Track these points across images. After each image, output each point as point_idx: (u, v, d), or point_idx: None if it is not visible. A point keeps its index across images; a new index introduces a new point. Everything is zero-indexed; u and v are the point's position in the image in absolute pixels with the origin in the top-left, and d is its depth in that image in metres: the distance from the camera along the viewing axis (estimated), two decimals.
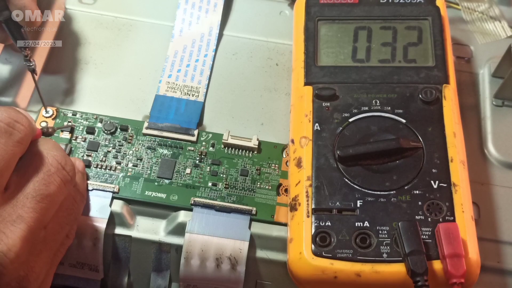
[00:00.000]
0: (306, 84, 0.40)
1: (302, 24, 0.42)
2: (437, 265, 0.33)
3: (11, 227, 0.30)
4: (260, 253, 0.38)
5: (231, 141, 0.41)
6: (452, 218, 0.35)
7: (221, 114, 0.44)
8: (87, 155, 0.41)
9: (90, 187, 0.39)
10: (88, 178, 0.40)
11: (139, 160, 0.41)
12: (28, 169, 0.32)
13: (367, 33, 0.42)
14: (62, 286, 0.40)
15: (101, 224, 0.38)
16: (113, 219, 0.39)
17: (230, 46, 0.47)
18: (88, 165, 0.40)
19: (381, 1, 0.43)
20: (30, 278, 0.32)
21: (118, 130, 0.42)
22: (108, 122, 0.42)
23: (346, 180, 0.36)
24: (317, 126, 0.38)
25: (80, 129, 0.42)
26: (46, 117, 0.42)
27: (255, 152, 0.41)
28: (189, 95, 0.44)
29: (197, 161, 0.41)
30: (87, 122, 0.42)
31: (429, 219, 0.35)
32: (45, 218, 0.32)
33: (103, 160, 0.40)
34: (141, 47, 0.46)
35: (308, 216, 0.35)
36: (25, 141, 0.32)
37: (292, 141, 0.39)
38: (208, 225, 0.38)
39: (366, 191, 0.36)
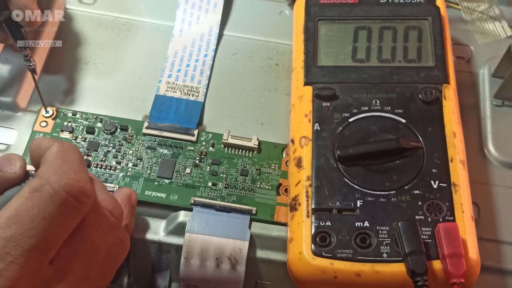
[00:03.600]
0: (306, 84, 0.40)
1: (302, 24, 0.42)
2: (437, 265, 0.33)
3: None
4: (260, 253, 0.38)
5: (231, 141, 0.41)
6: (452, 218, 0.35)
7: (221, 114, 0.44)
8: (87, 155, 0.41)
9: None
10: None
11: (139, 160, 0.41)
12: (77, 228, 0.30)
13: (367, 33, 0.42)
14: None
15: None
16: None
17: (230, 46, 0.47)
18: (88, 165, 0.40)
19: (381, 1, 0.43)
20: None
21: (118, 130, 0.42)
22: (108, 122, 0.42)
23: (346, 180, 0.36)
24: (317, 126, 0.38)
25: (80, 129, 0.42)
26: (46, 117, 0.42)
27: (255, 152, 0.41)
28: (189, 95, 0.44)
29: (197, 161, 0.41)
30: (87, 122, 0.42)
31: (429, 219, 0.35)
32: (90, 272, 0.31)
33: (103, 160, 0.40)
34: (141, 47, 0.46)
35: (308, 216, 0.35)
36: (86, 211, 0.30)
37: (292, 141, 0.39)
38: (208, 225, 0.38)
39: (366, 191, 0.36)
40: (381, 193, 0.36)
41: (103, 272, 0.33)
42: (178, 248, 0.38)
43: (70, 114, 0.42)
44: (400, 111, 0.38)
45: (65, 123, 0.42)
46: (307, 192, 0.36)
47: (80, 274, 0.30)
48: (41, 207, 0.28)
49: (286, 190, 0.40)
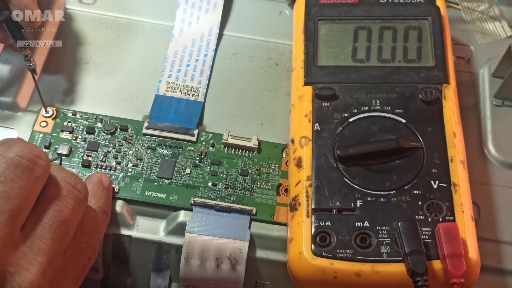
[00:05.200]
0: (306, 84, 0.40)
1: (302, 24, 0.42)
2: (437, 265, 0.33)
3: (33, 261, 0.30)
4: (260, 253, 0.38)
5: (231, 141, 0.41)
6: (452, 218, 0.35)
7: (221, 114, 0.44)
8: (87, 155, 0.41)
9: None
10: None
11: (139, 160, 0.41)
12: (41, 199, 0.31)
13: (367, 33, 0.42)
14: None
15: None
16: (113, 219, 0.39)
17: (230, 46, 0.47)
18: (88, 165, 0.40)
19: (381, 1, 0.43)
20: None
21: (118, 130, 0.42)
22: (108, 122, 0.42)
23: (346, 180, 0.36)
24: (317, 126, 0.38)
25: (80, 129, 0.42)
26: (46, 117, 0.42)
27: (255, 152, 0.41)
28: (189, 95, 0.44)
29: (197, 161, 0.41)
30: (87, 122, 0.42)
31: (429, 219, 0.35)
32: (63, 245, 0.32)
33: (103, 160, 0.40)
34: (141, 47, 0.46)
35: (308, 216, 0.35)
36: (45, 176, 0.31)
37: (292, 141, 0.39)
38: (208, 225, 0.38)
39: (366, 191, 0.36)
40: (381, 193, 0.36)
41: (79, 247, 0.34)
42: (178, 248, 0.38)
43: (70, 114, 0.42)
44: (400, 111, 0.38)
45: (65, 123, 0.42)
46: (307, 192, 0.36)
47: (54, 245, 0.31)
48: None
49: (286, 190, 0.40)
